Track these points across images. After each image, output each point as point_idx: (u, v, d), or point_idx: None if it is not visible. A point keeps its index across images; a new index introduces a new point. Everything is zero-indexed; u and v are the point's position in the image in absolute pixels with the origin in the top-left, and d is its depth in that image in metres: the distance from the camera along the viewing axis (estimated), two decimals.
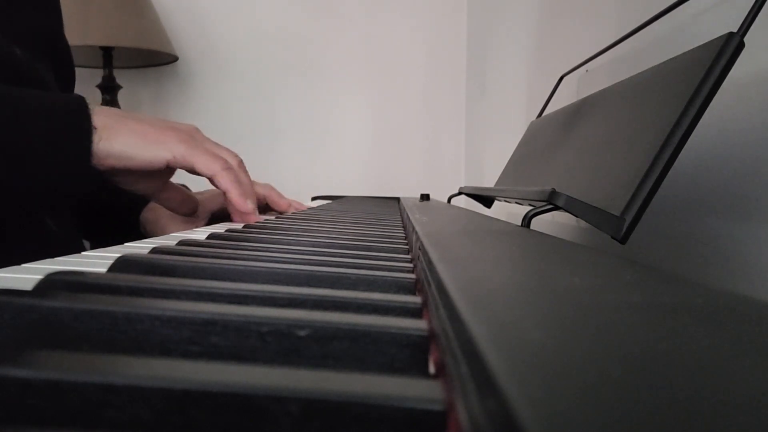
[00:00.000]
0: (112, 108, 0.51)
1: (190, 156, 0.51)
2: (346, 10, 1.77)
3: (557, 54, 0.89)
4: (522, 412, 0.07)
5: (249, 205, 0.54)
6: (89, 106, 0.47)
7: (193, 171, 0.52)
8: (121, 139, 0.48)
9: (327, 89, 1.79)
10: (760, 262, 0.38)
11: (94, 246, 0.76)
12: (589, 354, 0.10)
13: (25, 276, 0.22)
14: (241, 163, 0.57)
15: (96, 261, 0.27)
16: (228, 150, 0.56)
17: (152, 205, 0.70)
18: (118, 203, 0.71)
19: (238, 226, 0.49)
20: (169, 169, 0.52)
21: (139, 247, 0.33)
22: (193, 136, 0.53)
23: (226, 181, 0.52)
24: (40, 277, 0.20)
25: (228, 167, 0.53)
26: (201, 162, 0.51)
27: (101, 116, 0.47)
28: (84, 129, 0.46)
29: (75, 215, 0.67)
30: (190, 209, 0.62)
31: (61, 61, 0.66)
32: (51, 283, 0.19)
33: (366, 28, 1.77)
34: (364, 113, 1.80)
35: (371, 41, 1.78)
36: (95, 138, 0.46)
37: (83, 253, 0.30)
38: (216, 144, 0.56)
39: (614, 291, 0.16)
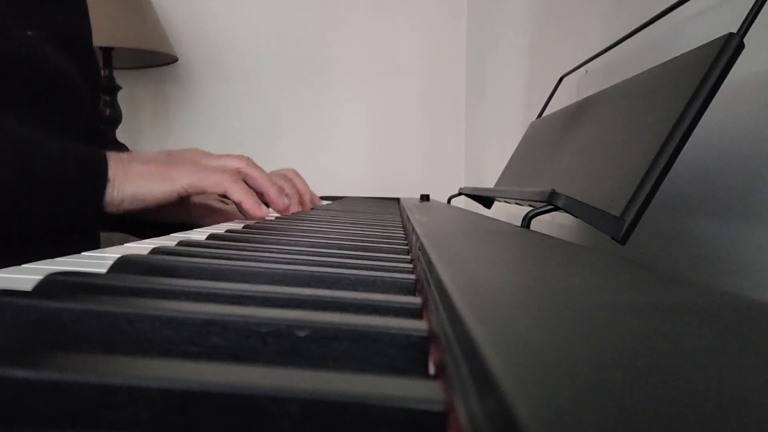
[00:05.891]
0: (120, 154, 0.54)
1: (198, 181, 0.54)
2: (346, 10, 1.77)
3: (557, 55, 0.89)
4: (521, 413, 0.07)
5: (263, 211, 0.56)
6: (104, 159, 0.51)
7: (205, 192, 0.55)
8: (130, 184, 0.51)
9: (327, 89, 1.79)
10: (760, 262, 0.38)
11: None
12: (589, 354, 0.10)
13: (25, 276, 0.22)
14: (249, 163, 0.59)
15: (96, 261, 0.27)
16: (232, 157, 0.59)
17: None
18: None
19: (238, 226, 0.49)
20: (182, 198, 0.56)
21: (139, 248, 0.33)
22: (196, 161, 0.57)
23: (238, 194, 0.55)
24: (40, 277, 0.20)
25: (235, 179, 0.55)
26: (209, 183, 0.54)
27: (111, 167, 0.51)
28: (98, 185, 0.50)
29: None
30: (215, 221, 0.65)
31: (87, 65, 0.68)
32: (51, 284, 0.19)
33: (366, 29, 1.77)
34: (364, 113, 1.80)
35: (371, 41, 1.78)
36: (108, 190, 0.50)
37: (83, 253, 0.30)
38: (219, 157, 0.59)
39: (613, 291, 0.16)
